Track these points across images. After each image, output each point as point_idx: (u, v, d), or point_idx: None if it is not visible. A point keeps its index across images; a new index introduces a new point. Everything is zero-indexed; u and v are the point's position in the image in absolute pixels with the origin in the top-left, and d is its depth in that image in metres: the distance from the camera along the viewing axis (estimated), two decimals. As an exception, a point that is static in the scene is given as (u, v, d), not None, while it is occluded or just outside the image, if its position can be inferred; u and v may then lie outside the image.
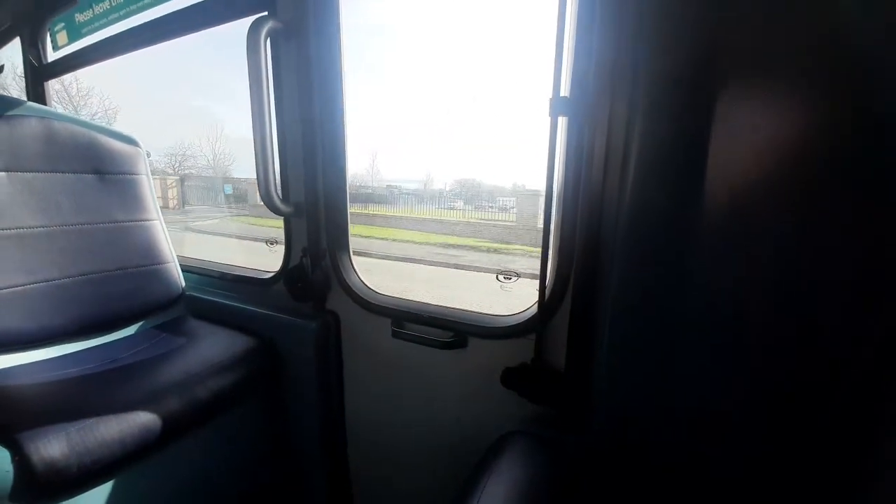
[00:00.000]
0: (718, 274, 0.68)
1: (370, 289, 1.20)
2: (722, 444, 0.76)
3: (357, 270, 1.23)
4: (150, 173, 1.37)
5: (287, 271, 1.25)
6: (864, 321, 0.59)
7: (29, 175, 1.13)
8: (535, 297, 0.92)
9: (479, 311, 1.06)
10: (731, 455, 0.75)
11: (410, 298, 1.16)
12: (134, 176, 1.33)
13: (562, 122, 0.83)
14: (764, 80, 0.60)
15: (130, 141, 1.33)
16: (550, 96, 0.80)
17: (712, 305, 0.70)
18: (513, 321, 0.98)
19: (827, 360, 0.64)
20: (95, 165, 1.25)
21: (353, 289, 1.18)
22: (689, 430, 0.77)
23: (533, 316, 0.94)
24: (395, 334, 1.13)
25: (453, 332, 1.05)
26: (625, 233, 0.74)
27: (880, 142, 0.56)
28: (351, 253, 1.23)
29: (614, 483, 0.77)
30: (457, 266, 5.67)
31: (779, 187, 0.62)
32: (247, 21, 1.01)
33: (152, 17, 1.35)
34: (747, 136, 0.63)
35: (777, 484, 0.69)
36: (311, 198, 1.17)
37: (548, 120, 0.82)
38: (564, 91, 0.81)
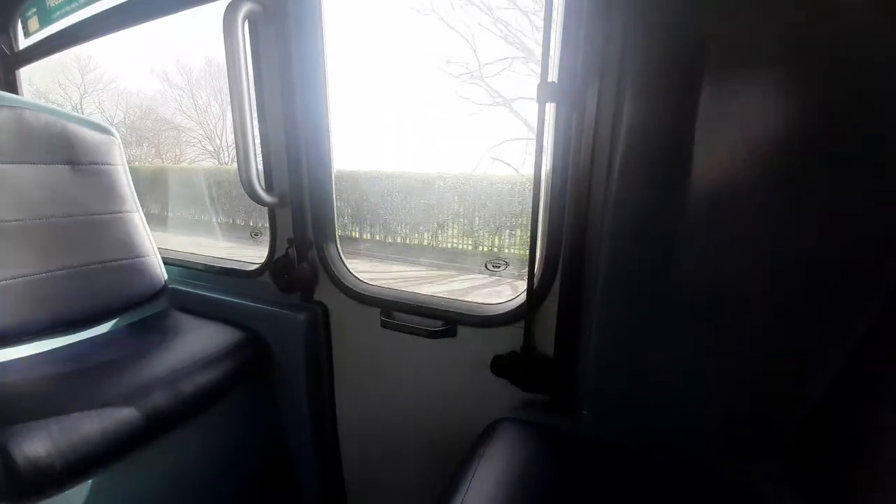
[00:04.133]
0: (704, 260, 0.69)
1: (358, 279, 1.19)
2: (709, 426, 0.77)
3: (345, 260, 1.21)
4: (126, 163, 1.33)
5: (272, 262, 1.23)
6: (853, 315, 0.60)
7: (0, 167, 1.09)
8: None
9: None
10: (718, 437, 0.77)
11: (399, 288, 1.15)
12: (109, 166, 1.28)
13: (549, 108, 0.82)
14: (751, 69, 0.61)
15: (105, 130, 1.28)
16: (538, 82, 0.79)
17: (698, 291, 0.71)
18: (502, 309, 0.98)
19: (812, 347, 0.65)
20: (69, 156, 1.21)
21: (341, 279, 1.17)
22: (677, 412, 0.78)
23: (522, 303, 0.94)
24: (384, 324, 1.12)
25: (443, 321, 1.04)
26: (612, 219, 0.74)
27: (867, 132, 0.56)
28: (338, 242, 1.21)
29: (604, 465, 0.78)
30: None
31: (764, 175, 0.63)
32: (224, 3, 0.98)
33: (124, 0, 1.30)
34: (734, 125, 0.63)
35: (765, 472, 0.71)
36: (296, 187, 1.14)
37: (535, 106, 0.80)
38: (552, 77, 0.80)
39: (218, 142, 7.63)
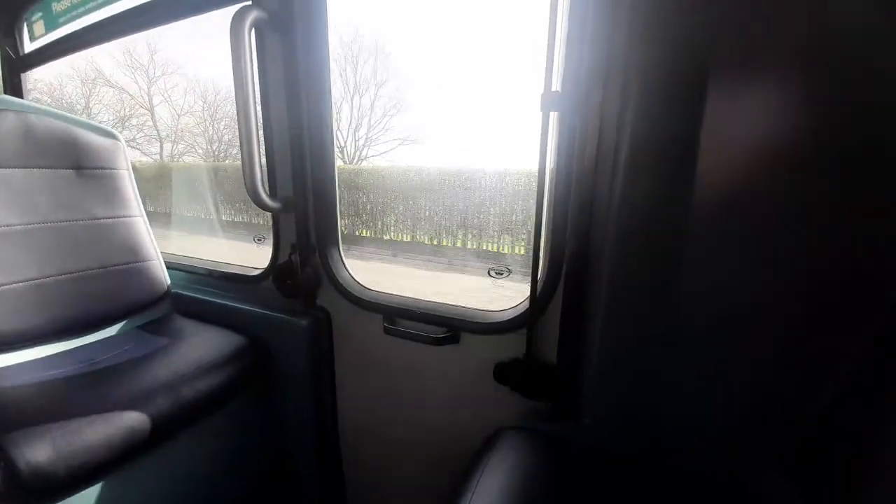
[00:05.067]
0: (709, 267, 0.69)
1: (361, 285, 1.19)
2: (712, 433, 0.77)
3: (347, 266, 1.21)
4: (130, 168, 1.34)
5: (275, 268, 1.23)
6: (857, 319, 0.60)
7: (5, 171, 1.09)
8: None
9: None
10: (722, 444, 0.76)
11: (402, 294, 1.15)
12: (114, 171, 1.29)
13: (553, 116, 0.82)
14: (755, 75, 0.61)
15: (110, 135, 1.29)
16: (542, 91, 0.79)
17: (702, 298, 0.71)
18: (505, 316, 0.98)
19: (816, 351, 0.65)
20: (74, 160, 1.21)
21: (344, 285, 1.17)
22: (681, 419, 0.78)
23: (525, 311, 0.94)
24: (386, 331, 1.12)
25: (446, 327, 1.04)
26: (615, 227, 0.75)
27: (871, 137, 0.56)
28: (341, 248, 1.21)
29: (607, 474, 0.78)
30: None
31: (768, 181, 0.63)
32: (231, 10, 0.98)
33: (131, 6, 1.31)
34: (738, 130, 0.63)
35: (769, 479, 0.70)
36: (300, 193, 1.14)
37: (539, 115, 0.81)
38: (556, 86, 0.80)
39: (343, 135, 6.66)
